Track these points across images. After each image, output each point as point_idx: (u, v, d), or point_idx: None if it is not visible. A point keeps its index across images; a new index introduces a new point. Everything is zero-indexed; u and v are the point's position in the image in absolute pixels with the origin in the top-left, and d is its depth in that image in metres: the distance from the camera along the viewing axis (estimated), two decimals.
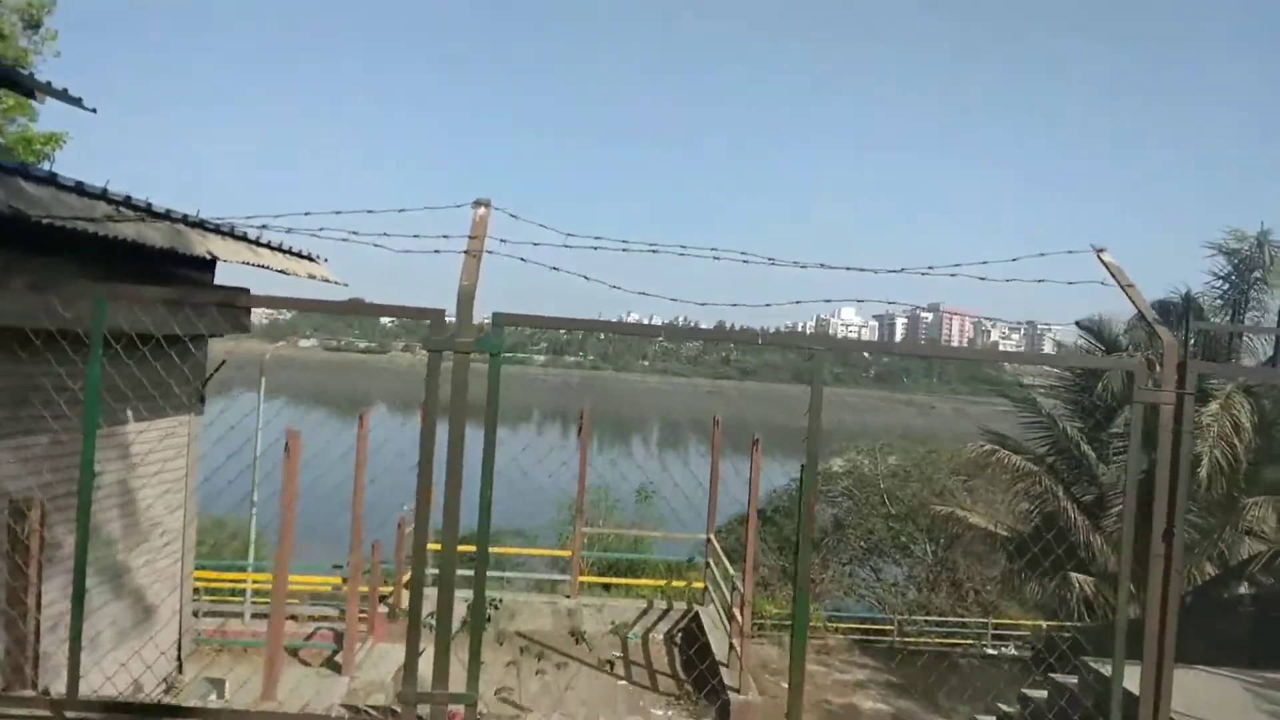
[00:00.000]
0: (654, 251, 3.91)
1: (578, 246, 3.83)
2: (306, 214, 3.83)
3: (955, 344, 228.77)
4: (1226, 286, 16.45)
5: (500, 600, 12.49)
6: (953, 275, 4.18)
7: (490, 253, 3.72)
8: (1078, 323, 16.98)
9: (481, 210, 3.83)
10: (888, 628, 24.84)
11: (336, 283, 8.11)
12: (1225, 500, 14.93)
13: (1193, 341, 16.53)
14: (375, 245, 3.71)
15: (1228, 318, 16.38)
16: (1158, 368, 3.92)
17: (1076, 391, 17.38)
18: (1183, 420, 3.81)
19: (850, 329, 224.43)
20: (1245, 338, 16.29)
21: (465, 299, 3.51)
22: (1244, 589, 14.56)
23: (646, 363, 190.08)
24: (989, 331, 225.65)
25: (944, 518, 19.05)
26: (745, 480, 10.20)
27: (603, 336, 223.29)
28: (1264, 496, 14.04)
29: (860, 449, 32.14)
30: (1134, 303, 4.03)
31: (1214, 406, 14.81)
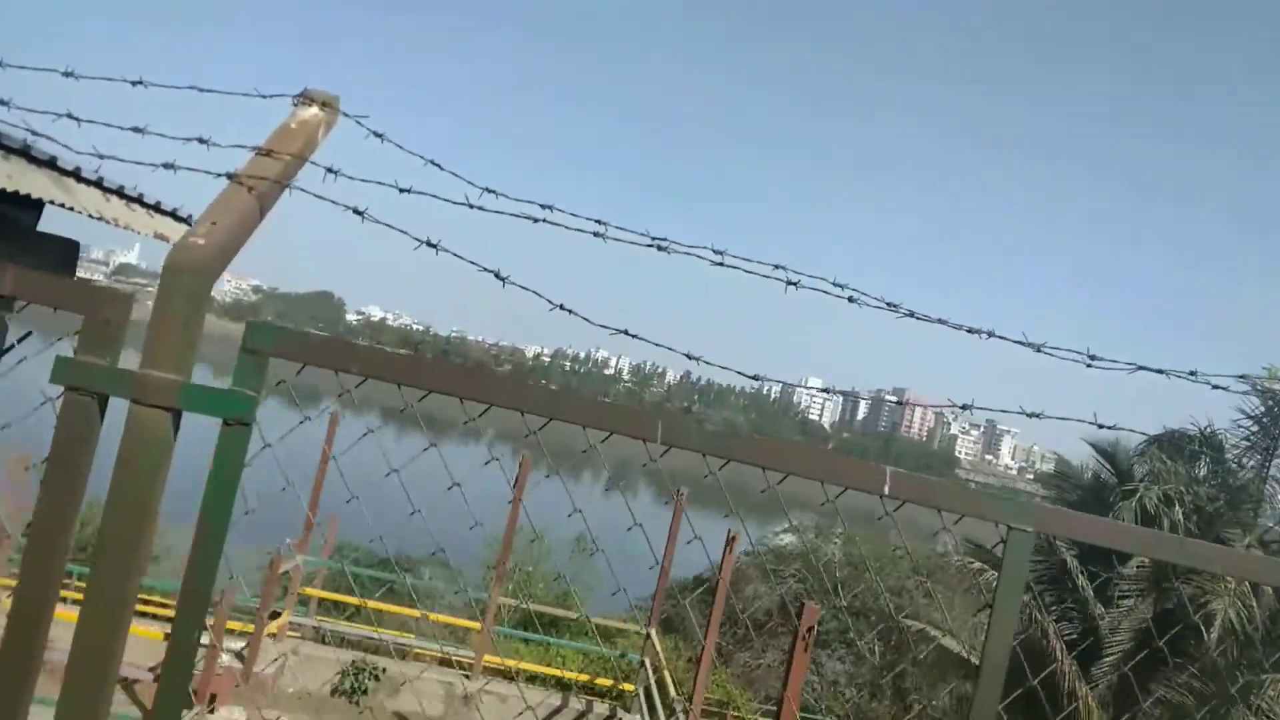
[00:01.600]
0: (656, 244, 1.93)
1: (498, 213, 1.84)
2: None
3: (915, 431, 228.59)
4: (1256, 428, 14.81)
5: (383, 670, 10.25)
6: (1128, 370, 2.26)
7: (301, 191, 1.70)
8: (1091, 444, 15.24)
9: (310, 112, 1.82)
10: None
11: None
12: (1232, 668, 13.13)
13: (1215, 484, 14.89)
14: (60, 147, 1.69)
15: (1253, 462, 14.74)
16: None
17: (1075, 508, 15.57)
18: None
19: (815, 398, 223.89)
20: (1270, 485, 14.66)
21: (194, 276, 1.48)
22: None
23: (609, 400, 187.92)
24: (949, 424, 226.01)
25: (914, 634, 17.05)
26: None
27: (568, 366, 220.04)
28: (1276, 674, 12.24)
29: (811, 530, 30.17)
30: None
31: None
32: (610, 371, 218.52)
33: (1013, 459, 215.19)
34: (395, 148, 1.76)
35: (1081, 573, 14.26)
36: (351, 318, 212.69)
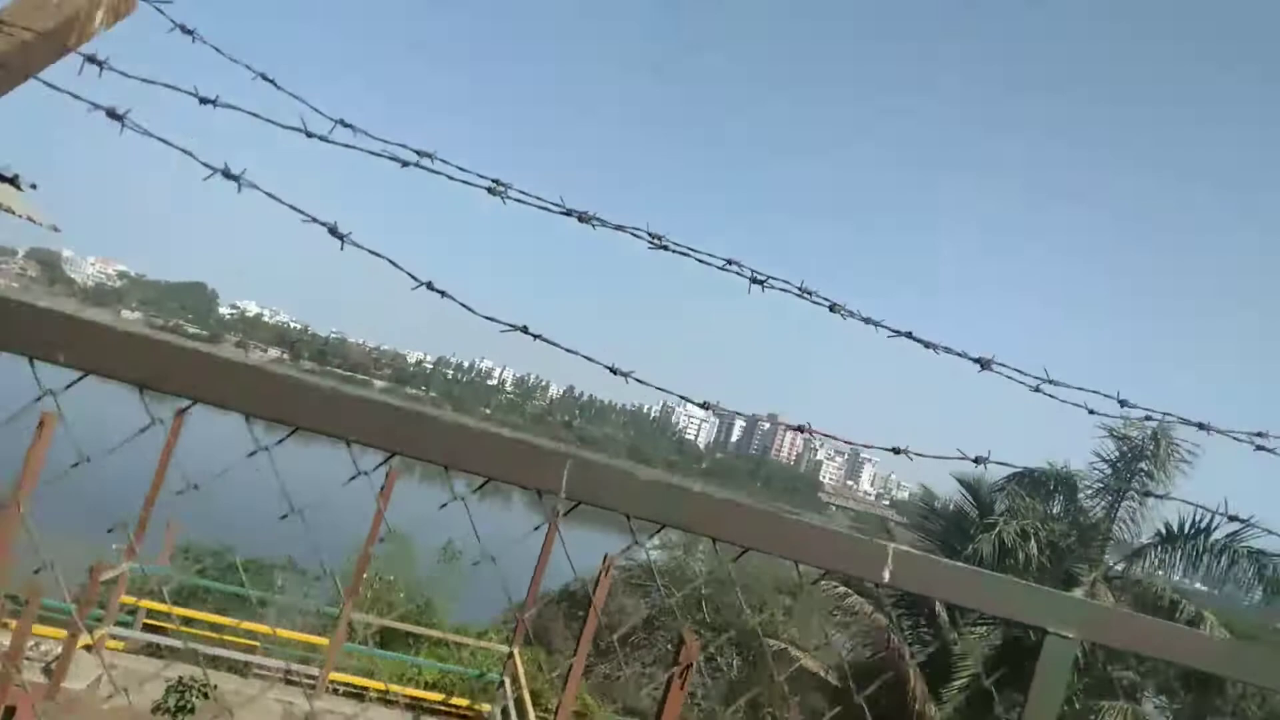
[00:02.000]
0: (577, 215, 1.60)
1: (350, 147, 1.46)
2: None
3: (785, 455, 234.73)
4: (1109, 471, 15.67)
5: (214, 686, 9.38)
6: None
7: (44, 85, 1.26)
8: (958, 478, 15.79)
9: None
10: None
11: (36, 222, 5.13)
12: (1071, 695, 13.77)
13: (1067, 521, 15.67)
14: None
15: (1105, 504, 15.60)
16: None
17: (937, 538, 16.15)
18: None
19: (693, 420, 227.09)
20: (1117, 525, 15.53)
21: None
22: None
23: (489, 410, 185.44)
24: (816, 450, 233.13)
25: (775, 654, 17.21)
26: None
27: (450, 374, 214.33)
28: (1112, 701, 12.89)
29: (676, 545, 30.36)
30: None
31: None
32: (494, 382, 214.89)
33: (872, 486, 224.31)
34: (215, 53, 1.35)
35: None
36: (225, 311, 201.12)
